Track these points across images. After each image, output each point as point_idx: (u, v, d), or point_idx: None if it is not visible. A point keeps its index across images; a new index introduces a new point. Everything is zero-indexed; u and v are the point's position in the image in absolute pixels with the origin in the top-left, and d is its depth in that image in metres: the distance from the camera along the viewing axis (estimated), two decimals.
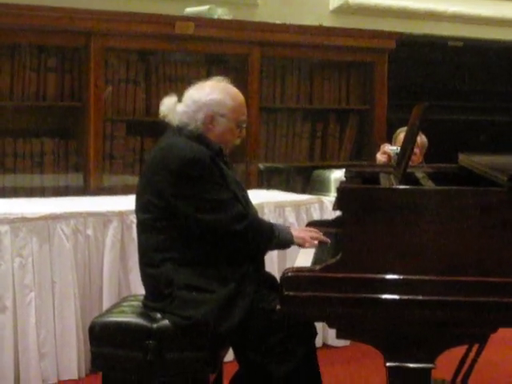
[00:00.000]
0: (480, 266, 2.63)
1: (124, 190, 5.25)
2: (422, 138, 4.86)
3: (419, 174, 3.49)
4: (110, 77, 5.54)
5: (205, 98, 3.23)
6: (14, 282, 4.10)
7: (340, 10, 6.92)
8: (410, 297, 2.63)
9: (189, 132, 3.20)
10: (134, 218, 3.87)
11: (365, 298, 2.65)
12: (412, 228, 2.65)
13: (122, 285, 4.42)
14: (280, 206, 4.91)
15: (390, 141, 5.12)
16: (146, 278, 3.24)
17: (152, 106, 5.64)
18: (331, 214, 4.56)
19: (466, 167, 3.48)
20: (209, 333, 3.05)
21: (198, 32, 5.59)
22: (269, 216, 4.72)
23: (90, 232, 4.33)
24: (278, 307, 2.73)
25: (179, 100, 3.28)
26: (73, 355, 4.25)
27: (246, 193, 3.36)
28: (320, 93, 6.35)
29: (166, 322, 3.09)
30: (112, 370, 3.14)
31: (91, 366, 3.28)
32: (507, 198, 2.62)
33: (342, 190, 2.79)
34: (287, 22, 6.08)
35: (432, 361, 2.69)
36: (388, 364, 2.69)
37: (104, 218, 4.38)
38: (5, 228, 4.08)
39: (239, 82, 3.50)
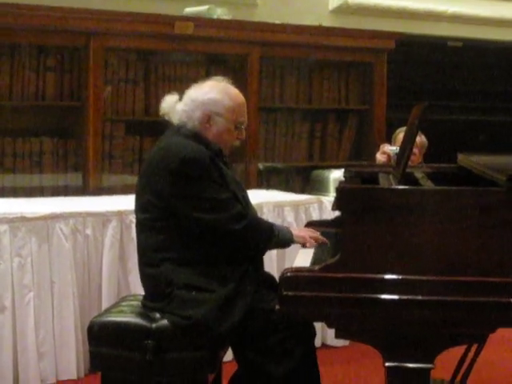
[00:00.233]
0: (479, 266, 2.63)
1: (123, 190, 5.25)
2: (421, 138, 4.86)
3: (418, 174, 3.49)
4: (109, 77, 5.54)
5: (202, 97, 3.23)
6: (13, 281, 4.10)
7: (339, 10, 6.92)
8: (409, 297, 2.63)
9: (187, 131, 3.20)
10: (133, 218, 3.88)
11: (364, 298, 2.65)
12: (411, 228, 2.65)
13: (121, 284, 4.42)
14: (279, 206, 4.91)
15: (389, 141, 5.12)
16: (145, 278, 3.24)
17: (151, 106, 5.64)
18: (330, 214, 4.56)
19: (465, 167, 3.48)
20: (208, 333, 3.05)
21: (197, 32, 5.59)
22: (268, 216, 4.72)
23: (89, 232, 4.33)
24: (277, 307, 2.73)
25: (180, 99, 3.28)
26: (72, 355, 4.25)
27: (245, 193, 3.36)
28: (319, 93, 6.35)
29: (165, 321, 3.09)
30: (111, 370, 3.13)
31: (90, 366, 3.28)
32: (506, 198, 2.63)
33: (341, 190, 2.79)
34: (287, 22, 6.08)
35: (431, 361, 2.69)
36: (387, 364, 2.69)
37: (103, 218, 4.38)
38: (4, 228, 4.08)
39: (238, 82, 3.49)
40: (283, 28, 5.98)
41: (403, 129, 4.35)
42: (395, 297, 2.64)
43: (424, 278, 2.63)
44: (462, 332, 2.69)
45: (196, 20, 5.65)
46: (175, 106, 3.26)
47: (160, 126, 3.39)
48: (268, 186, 6.01)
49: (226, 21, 5.81)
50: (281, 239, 3.26)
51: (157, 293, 3.16)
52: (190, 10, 5.83)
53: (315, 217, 4.95)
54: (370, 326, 2.69)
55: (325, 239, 3.35)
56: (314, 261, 3.07)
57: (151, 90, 5.69)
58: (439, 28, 7.34)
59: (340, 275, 2.66)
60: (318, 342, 4.43)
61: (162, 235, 3.14)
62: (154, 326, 3.09)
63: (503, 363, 4.75)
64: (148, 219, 3.17)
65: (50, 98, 5.41)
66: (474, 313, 2.63)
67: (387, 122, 6.34)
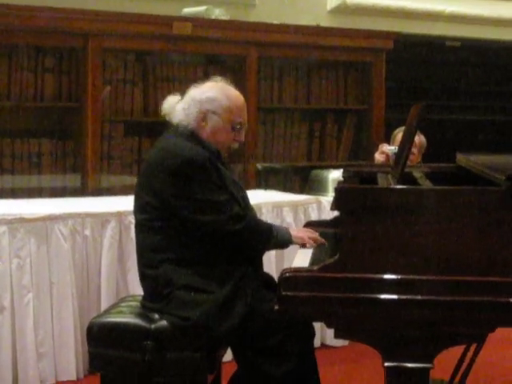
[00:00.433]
0: (478, 265, 2.63)
1: (122, 191, 5.25)
2: (420, 138, 4.86)
3: (417, 174, 3.49)
4: (107, 77, 5.54)
5: (200, 95, 3.23)
6: (12, 282, 4.09)
7: (337, 10, 6.92)
8: (408, 296, 2.64)
9: (185, 129, 3.20)
10: (131, 219, 3.88)
11: (363, 298, 2.65)
12: (410, 228, 2.65)
13: (120, 285, 4.42)
14: (278, 206, 4.91)
15: (387, 140, 5.12)
16: (144, 279, 3.24)
17: (150, 107, 5.65)
18: (329, 214, 4.56)
19: (464, 167, 3.48)
20: (207, 333, 3.05)
21: (195, 32, 5.60)
22: (267, 216, 4.72)
23: (87, 232, 4.33)
24: (276, 307, 2.73)
25: (182, 99, 3.29)
26: (71, 356, 4.25)
27: (245, 193, 3.35)
28: (318, 93, 6.35)
29: (164, 322, 3.09)
30: (110, 370, 3.13)
31: (89, 366, 3.27)
32: (505, 197, 2.63)
33: (339, 190, 2.80)
34: (285, 23, 6.08)
35: (430, 360, 2.69)
36: (386, 364, 2.69)
37: (102, 219, 4.38)
38: (3, 229, 4.08)
39: (237, 82, 3.49)
40: (281, 28, 5.99)
41: (402, 128, 4.35)
42: (394, 296, 2.64)
43: (423, 277, 2.63)
44: (461, 332, 2.69)
45: (194, 20, 5.65)
46: (176, 106, 3.26)
47: (159, 127, 3.39)
48: (267, 186, 6.01)
49: (224, 21, 5.81)
50: (279, 240, 3.25)
51: (156, 293, 3.15)
52: (188, 11, 5.83)
53: (314, 217, 4.95)
54: (369, 326, 2.69)
55: (323, 240, 3.35)
56: (313, 261, 3.06)
57: (150, 91, 5.69)
58: (437, 28, 7.34)
59: (339, 275, 2.66)
60: (317, 342, 4.43)
61: (161, 236, 3.14)
62: (153, 326, 3.09)
63: (502, 363, 4.75)
64: (147, 220, 3.17)
65: (49, 98, 5.41)
66: (473, 312, 2.63)
67: (386, 121, 6.34)
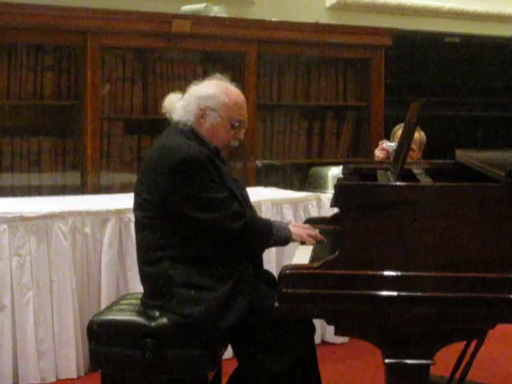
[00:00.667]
0: (478, 261, 2.63)
1: (121, 189, 5.25)
2: (420, 135, 4.86)
3: (417, 170, 3.49)
4: (106, 75, 5.54)
5: (199, 92, 3.23)
6: (12, 280, 4.10)
7: (336, 7, 6.92)
8: (408, 293, 2.63)
9: (184, 126, 3.20)
10: (131, 217, 3.87)
11: (363, 295, 2.65)
12: (410, 224, 2.65)
13: (120, 283, 4.42)
14: (277, 203, 4.91)
15: (387, 137, 5.12)
16: (145, 276, 3.24)
17: (149, 104, 5.64)
18: (329, 211, 4.55)
19: (464, 163, 3.48)
20: (207, 331, 3.05)
21: (194, 30, 5.60)
22: (266, 213, 4.72)
23: (87, 230, 4.33)
24: (277, 304, 2.73)
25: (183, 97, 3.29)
26: (71, 354, 4.25)
27: (245, 191, 3.35)
28: (317, 90, 6.35)
29: (164, 320, 3.09)
30: (110, 368, 3.13)
31: (90, 364, 3.28)
32: (505, 193, 2.63)
33: (339, 187, 2.79)
34: (284, 20, 6.08)
35: (430, 357, 2.69)
36: (386, 361, 2.69)
37: (102, 217, 4.38)
38: (3, 227, 4.08)
39: (236, 79, 3.49)
40: (280, 25, 5.98)
41: (403, 125, 4.34)
42: (394, 293, 2.64)
43: (423, 274, 2.63)
44: (462, 328, 2.69)
45: (193, 18, 5.65)
46: (176, 104, 3.26)
47: (158, 125, 3.40)
48: (266, 183, 6.01)
49: (223, 18, 5.81)
50: (279, 237, 3.25)
51: (156, 291, 3.15)
52: (187, 8, 5.83)
53: (314, 214, 4.95)
54: (369, 323, 2.69)
55: (323, 237, 3.35)
56: (313, 258, 3.06)
57: (149, 88, 5.69)
58: (436, 24, 7.34)
59: (339, 272, 2.66)
60: (317, 339, 4.42)
61: (161, 233, 3.13)
62: (153, 324, 3.09)
63: (503, 359, 4.75)
64: (147, 217, 3.17)
65: (48, 96, 5.41)
66: (474, 309, 2.63)
67: (385, 118, 6.34)
